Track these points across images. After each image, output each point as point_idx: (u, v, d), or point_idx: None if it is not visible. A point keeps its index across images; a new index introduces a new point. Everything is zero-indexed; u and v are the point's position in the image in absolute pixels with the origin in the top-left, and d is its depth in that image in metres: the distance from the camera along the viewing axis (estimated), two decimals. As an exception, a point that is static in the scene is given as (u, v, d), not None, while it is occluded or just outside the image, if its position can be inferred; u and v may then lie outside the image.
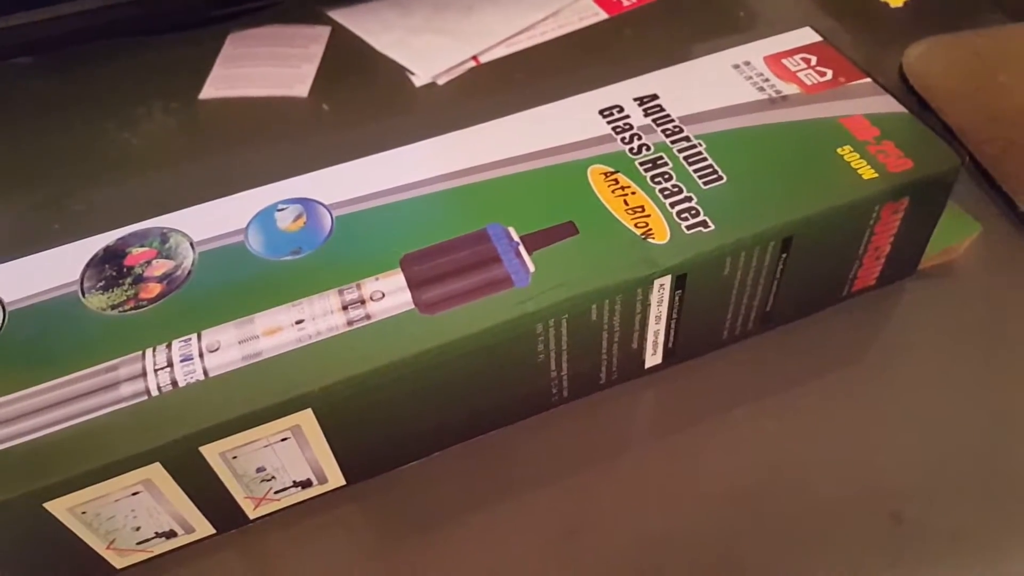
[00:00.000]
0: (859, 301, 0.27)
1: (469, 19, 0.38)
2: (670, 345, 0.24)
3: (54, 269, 0.23)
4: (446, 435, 0.24)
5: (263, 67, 0.37)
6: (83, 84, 0.38)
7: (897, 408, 0.25)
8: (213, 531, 0.22)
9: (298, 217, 0.24)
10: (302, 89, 0.36)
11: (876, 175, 0.23)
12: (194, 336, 0.21)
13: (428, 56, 0.37)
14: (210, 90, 0.36)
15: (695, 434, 0.24)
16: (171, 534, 0.22)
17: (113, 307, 0.22)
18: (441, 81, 0.36)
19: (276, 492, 0.22)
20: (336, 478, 0.23)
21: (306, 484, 0.22)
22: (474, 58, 0.37)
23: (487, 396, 0.23)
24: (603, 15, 0.39)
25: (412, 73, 0.36)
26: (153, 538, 0.22)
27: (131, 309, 0.22)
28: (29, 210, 0.33)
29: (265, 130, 0.35)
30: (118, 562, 0.22)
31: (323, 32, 0.39)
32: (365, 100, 0.36)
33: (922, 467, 0.24)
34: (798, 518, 0.23)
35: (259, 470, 0.21)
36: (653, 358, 0.25)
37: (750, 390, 0.25)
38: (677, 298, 0.23)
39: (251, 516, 0.23)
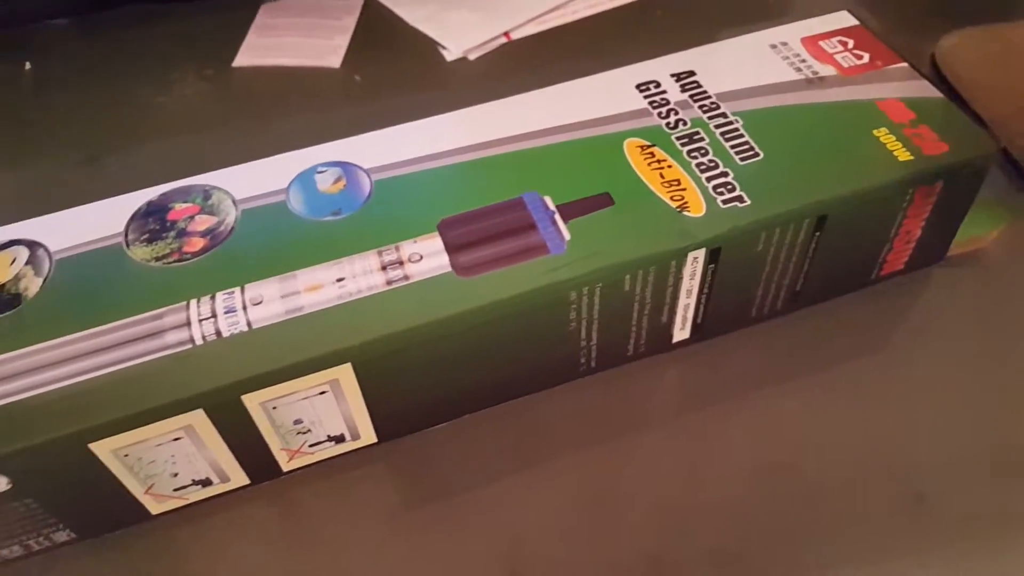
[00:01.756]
0: (887, 285, 0.28)
1: (501, -3, 0.39)
2: (699, 320, 0.25)
3: (98, 221, 0.23)
4: (475, 399, 0.24)
5: (296, 37, 0.38)
6: (118, 47, 0.38)
7: (921, 392, 0.25)
8: (247, 482, 0.23)
9: (337, 180, 0.24)
10: (335, 60, 0.36)
11: (912, 157, 0.24)
12: (237, 289, 0.21)
13: (460, 31, 0.37)
14: (244, 58, 0.37)
15: (720, 410, 0.25)
16: (207, 482, 0.22)
17: (157, 259, 0.22)
18: (472, 56, 0.36)
19: (310, 445, 0.23)
20: (368, 435, 0.23)
21: (339, 439, 0.23)
22: (505, 34, 0.37)
23: (517, 362, 0.23)
24: (635, -4, 0.39)
25: (444, 47, 0.37)
26: (189, 485, 0.22)
27: (175, 261, 0.22)
28: (64, 168, 0.33)
29: (298, 99, 0.35)
30: (154, 508, 0.22)
31: (356, 4, 0.39)
32: (397, 72, 0.36)
33: (944, 450, 0.24)
34: (821, 495, 0.23)
35: (296, 422, 0.22)
36: (681, 332, 0.25)
37: (776, 369, 0.26)
38: (710, 272, 0.23)
39: (284, 468, 0.23)
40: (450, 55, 0.36)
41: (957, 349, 0.26)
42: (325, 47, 0.37)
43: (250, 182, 0.24)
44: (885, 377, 0.26)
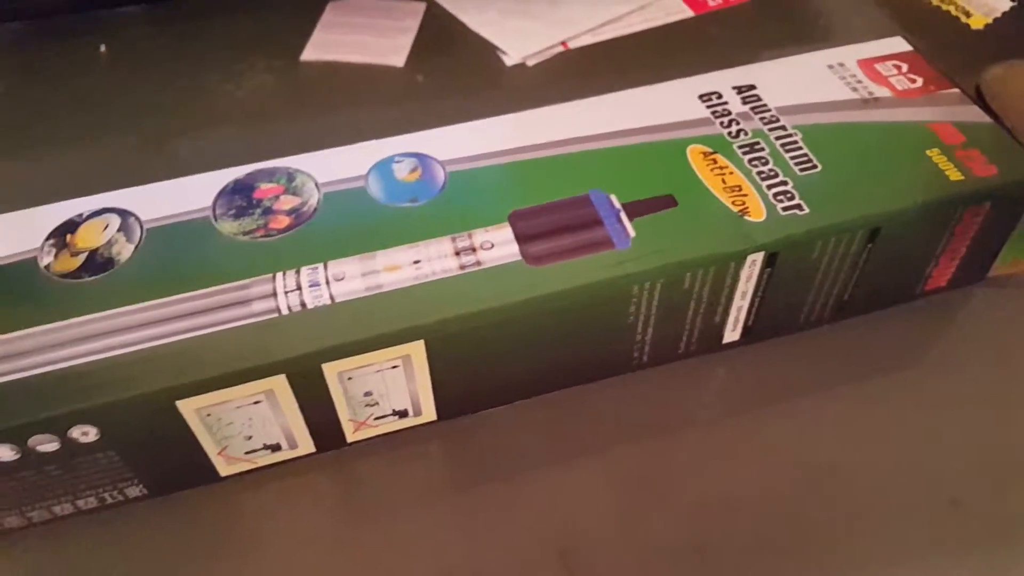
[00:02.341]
0: (929, 301, 0.28)
1: (557, 7, 0.40)
2: (749, 323, 0.26)
3: (185, 196, 0.25)
4: (531, 385, 0.25)
5: (361, 35, 0.39)
6: (189, 36, 0.40)
7: (958, 405, 0.26)
8: (313, 450, 0.24)
9: (414, 169, 0.25)
10: (398, 59, 0.38)
11: (962, 177, 0.25)
12: (321, 265, 0.23)
13: (519, 37, 0.39)
14: (311, 52, 0.38)
15: (764, 411, 0.26)
16: (276, 447, 0.23)
17: (244, 233, 0.23)
18: (531, 63, 0.38)
19: (376, 418, 0.24)
20: (429, 412, 0.24)
21: (403, 414, 0.24)
22: (563, 43, 0.39)
23: (575, 351, 0.24)
24: (689, 13, 0.40)
25: (503, 52, 0.38)
26: (260, 449, 0.23)
27: (261, 236, 0.23)
28: (131, 151, 0.35)
29: (362, 94, 0.37)
30: (224, 469, 0.24)
31: (419, 7, 0.41)
32: (457, 74, 0.38)
33: (979, 458, 0.25)
34: (858, 497, 0.24)
35: (366, 394, 0.23)
36: (732, 334, 0.26)
37: (819, 376, 0.27)
38: (765, 276, 0.24)
39: (349, 439, 0.24)
40: (509, 60, 0.38)
41: (995, 365, 0.27)
42: (389, 46, 0.38)
43: (329, 168, 0.25)
44: (924, 389, 0.26)
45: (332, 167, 0.25)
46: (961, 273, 0.28)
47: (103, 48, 0.39)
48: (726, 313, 0.25)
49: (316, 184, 0.25)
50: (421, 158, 0.26)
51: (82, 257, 0.23)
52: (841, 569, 0.22)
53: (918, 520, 0.23)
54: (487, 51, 0.39)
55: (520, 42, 0.38)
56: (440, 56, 0.39)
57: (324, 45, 0.39)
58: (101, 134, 0.36)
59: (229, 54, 0.39)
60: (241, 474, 0.24)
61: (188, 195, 0.25)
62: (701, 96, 0.27)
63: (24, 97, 0.38)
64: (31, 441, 0.21)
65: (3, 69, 0.39)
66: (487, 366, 0.24)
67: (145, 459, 0.22)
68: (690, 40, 0.39)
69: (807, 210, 0.24)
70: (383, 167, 0.25)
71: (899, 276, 0.27)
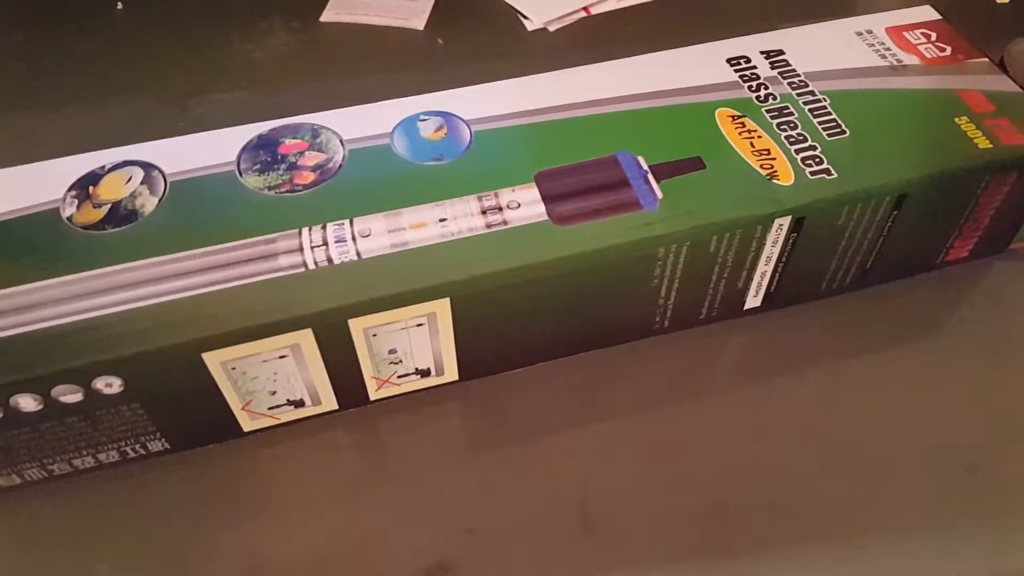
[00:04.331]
0: (950, 271, 0.28)
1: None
2: (772, 289, 0.26)
3: (208, 150, 0.25)
4: (552, 347, 0.25)
5: (379, -3, 0.39)
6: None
7: (977, 374, 0.26)
8: (335, 407, 0.24)
9: (439, 128, 0.25)
10: (418, 22, 0.37)
11: (991, 146, 0.24)
12: (347, 221, 0.22)
13: (541, 2, 0.38)
14: (330, 13, 0.38)
15: (784, 379, 0.26)
16: (300, 403, 0.23)
17: (270, 188, 0.23)
18: (552, 28, 0.37)
19: (399, 377, 0.24)
20: (451, 372, 0.24)
21: (425, 373, 0.24)
22: (585, 8, 0.38)
23: (598, 314, 0.24)
24: (710, -18, 0.40)
25: (525, 17, 0.38)
26: (283, 405, 0.23)
27: (287, 192, 0.23)
28: (150, 107, 0.34)
29: (382, 56, 0.36)
30: (247, 424, 0.24)
31: (437, -29, 0.40)
32: (478, 38, 0.37)
33: (997, 427, 0.25)
34: (875, 462, 0.24)
35: (391, 351, 0.23)
36: (753, 300, 0.26)
37: (839, 343, 0.27)
38: (791, 242, 0.24)
39: (372, 397, 0.24)
40: (531, 25, 0.37)
41: (1013, 335, 0.27)
42: (409, 8, 0.38)
43: (353, 126, 0.25)
44: (942, 358, 0.26)
45: (356, 124, 0.25)
46: (983, 245, 0.28)
47: (120, 5, 0.39)
48: (749, 278, 0.25)
49: (341, 141, 0.25)
50: (446, 117, 0.25)
51: (105, 209, 0.23)
52: (859, 535, 0.23)
53: (935, 487, 0.24)
54: (508, 15, 0.38)
55: (542, 7, 0.38)
56: (461, 19, 0.38)
57: (344, 6, 0.38)
58: (120, 91, 0.35)
59: (248, 13, 0.38)
60: (263, 430, 0.24)
61: (212, 150, 0.25)
62: (729, 60, 0.27)
63: (41, 51, 0.37)
64: (55, 391, 0.21)
65: (22, 22, 0.38)
66: (510, 326, 0.24)
67: (169, 412, 0.22)
68: (715, 7, 0.39)
69: (835, 175, 0.23)
70: (408, 125, 0.25)
71: (922, 245, 0.27)
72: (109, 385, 0.21)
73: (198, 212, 0.23)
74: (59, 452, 0.22)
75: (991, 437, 0.25)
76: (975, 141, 0.25)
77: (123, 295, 0.21)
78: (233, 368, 0.21)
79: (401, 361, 0.23)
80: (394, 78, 0.35)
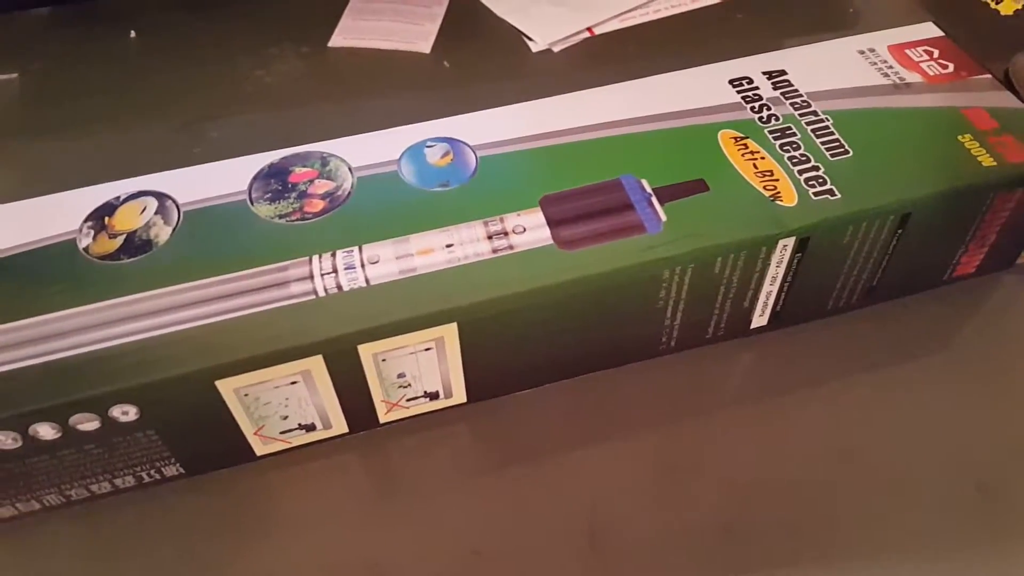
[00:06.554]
0: (957, 287, 0.28)
1: (580, -7, 0.40)
2: (778, 308, 0.26)
3: (220, 179, 0.25)
4: (559, 368, 0.25)
5: (388, 21, 0.39)
6: (218, 21, 0.40)
7: (984, 390, 0.26)
8: (346, 430, 0.24)
9: (446, 154, 0.25)
10: (424, 45, 0.38)
11: (995, 163, 0.25)
12: (356, 248, 0.23)
13: (545, 23, 0.39)
14: (339, 39, 0.38)
15: (791, 397, 0.26)
16: (311, 427, 0.24)
17: (280, 216, 0.24)
18: (556, 48, 0.38)
19: (408, 400, 0.24)
20: (460, 394, 0.25)
21: (434, 396, 0.24)
22: (588, 29, 0.38)
23: (604, 335, 0.25)
24: (714, -1, 0.40)
25: (530, 39, 0.38)
26: (295, 429, 0.24)
27: (297, 220, 0.24)
28: (164, 136, 0.35)
29: (390, 80, 0.37)
30: (260, 449, 0.24)
31: (443, -7, 0.41)
32: (484, 60, 0.38)
33: (1006, 444, 0.25)
34: (885, 483, 0.24)
35: (400, 376, 0.23)
36: (760, 319, 0.26)
37: (847, 362, 0.27)
38: (795, 262, 0.24)
39: (381, 420, 0.25)
40: (535, 46, 0.38)
41: (1021, 352, 0.27)
42: (416, 32, 0.38)
43: (361, 153, 0.26)
44: (950, 374, 0.26)
45: (364, 152, 0.26)
46: (990, 260, 0.28)
47: (133, 33, 0.40)
48: (755, 298, 0.25)
49: (350, 168, 0.25)
50: (452, 143, 0.26)
51: (120, 239, 0.24)
52: (867, 552, 0.23)
53: (944, 505, 0.24)
54: (513, 37, 0.39)
55: (546, 28, 0.38)
56: (466, 42, 0.39)
57: (351, 31, 0.39)
58: (133, 118, 0.36)
59: (258, 40, 0.39)
60: (275, 454, 0.25)
61: (224, 179, 0.25)
62: (731, 81, 0.27)
63: (56, 81, 0.38)
64: (72, 420, 0.21)
65: (35, 53, 0.39)
66: (517, 349, 0.24)
67: (183, 438, 0.23)
68: (717, 26, 0.39)
69: (839, 195, 0.24)
70: (415, 152, 0.26)
71: (928, 262, 0.27)
72: (125, 413, 0.21)
73: (211, 241, 0.23)
74: (77, 478, 0.23)
75: (1000, 454, 0.24)
76: (979, 159, 0.25)
77: (139, 324, 0.22)
78: (246, 395, 0.22)
79: (410, 385, 0.24)
80: (401, 102, 0.36)
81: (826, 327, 0.27)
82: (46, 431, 0.21)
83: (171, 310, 0.22)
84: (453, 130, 0.26)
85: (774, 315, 0.26)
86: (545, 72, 0.37)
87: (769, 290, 0.25)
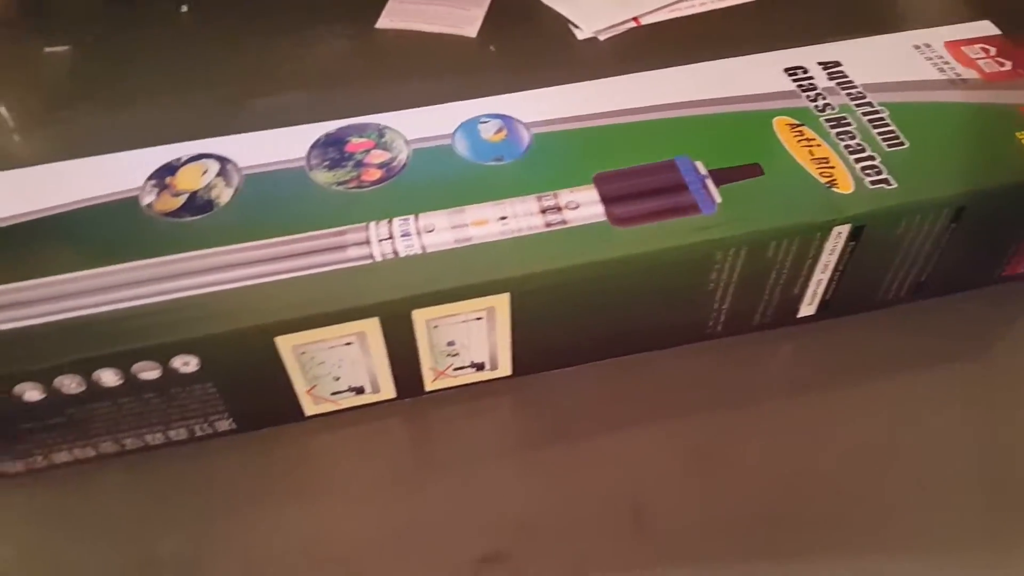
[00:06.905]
0: (1006, 288, 0.28)
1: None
2: (827, 298, 0.26)
3: (278, 146, 0.26)
4: (606, 347, 0.26)
5: (435, 5, 0.40)
6: (268, 1, 0.41)
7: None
8: (393, 395, 0.25)
9: (499, 130, 0.26)
10: (471, 30, 0.38)
11: (1052, 161, 0.25)
12: (412, 217, 0.23)
13: (591, 11, 0.39)
14: (385, 20, 0.39)
15: (834, 389, 0.26)
16: (360, 390, 0.24)
17: (338, 183, 0.24)
18: (602, 37, 0.38)
19: (455, 369, 0.24)
20: (505, 367, 0.25)
21: (480, 367, 0.25)
22: (635, 19, 0.39)
23: (652, 315, 0.25)
24: (762, -5, 0.40)
25: (576, 26, 0.38)
26: (345, 391, 0.24)
27: (354, 187, 0.24)
28: (215, 107, 0.36)
29: (437, 62, 0.37)
30: (310, 408, 0.24)
31: (491, -20, 0.41)
32: (530, 46, 0.38)
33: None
34: (926, 478, 0.24)
35: (449, 343, 0.23)
36: (808, 308, 0.26)
37: (892, 356, 0.27)
38: (849, 250, 0.24)
39: (427, 387, 0.25)
40: (581, 34, 0.38)
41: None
42: (462, 16, 0.39)
43: (415, 126, 0.26)
44: (996, 375, 0.26)
45: (419, 125, 0.26)
46: (1040, 260, 0.28)
47: (184, 8, 0.41)
48: (805, 286, 0.25)
49: (405, 140, 0.25)
50: (506, 119, 0.26)
51: (183, 198, 0.24)
52: (907, 548, 0.23)
53: (985, 502, 0.23)
54: (559, 24, 0.39)
55: (592, 16, 0.39)
56: (512, 27, 0.39)
57: (398, 13, 0.39)
58: (185, 90, 0.37)
59: (306, 18, 0.40)
60: (324, 415, 0.25)
61: (281, 146, 0.26)
62: (786, 70, 0.27)
63: (110, 53, 0.39)
64: (135, 367, 0.22)
65: (87, 27, 0.40)
66: (565, 325, 0.24)
67: (239, 392, 0.23)
68: (766, 20, 0.39)
69: (895, 185, 0.24)
70: (469, 127, 0.26)
71: (979, 259, 0.27)
72: (186, 364, 0.22)
73: (270, 204, 0.24)
74: (133, 427, 0.23)
75: (1043, 455, 0.24)
76: (1036, 156, 0.25)
77: (202, 279, 0.22)
78: (302, 352, 0.22)
79: (458, 354, 0.24)
80: (449, 83, 0.36)
81: (871, 320, 0.27)
82: (109, 377, 0.21)
83: (233, 267, 0.22)
84: (505, 108, 0.26)
85: (822, 304, 0.26)
86: (591, 60, 0.37)
87: (820, 278, 0.25)
